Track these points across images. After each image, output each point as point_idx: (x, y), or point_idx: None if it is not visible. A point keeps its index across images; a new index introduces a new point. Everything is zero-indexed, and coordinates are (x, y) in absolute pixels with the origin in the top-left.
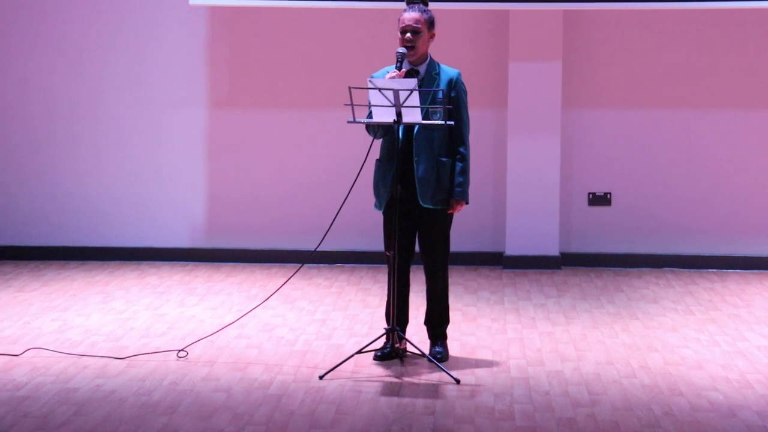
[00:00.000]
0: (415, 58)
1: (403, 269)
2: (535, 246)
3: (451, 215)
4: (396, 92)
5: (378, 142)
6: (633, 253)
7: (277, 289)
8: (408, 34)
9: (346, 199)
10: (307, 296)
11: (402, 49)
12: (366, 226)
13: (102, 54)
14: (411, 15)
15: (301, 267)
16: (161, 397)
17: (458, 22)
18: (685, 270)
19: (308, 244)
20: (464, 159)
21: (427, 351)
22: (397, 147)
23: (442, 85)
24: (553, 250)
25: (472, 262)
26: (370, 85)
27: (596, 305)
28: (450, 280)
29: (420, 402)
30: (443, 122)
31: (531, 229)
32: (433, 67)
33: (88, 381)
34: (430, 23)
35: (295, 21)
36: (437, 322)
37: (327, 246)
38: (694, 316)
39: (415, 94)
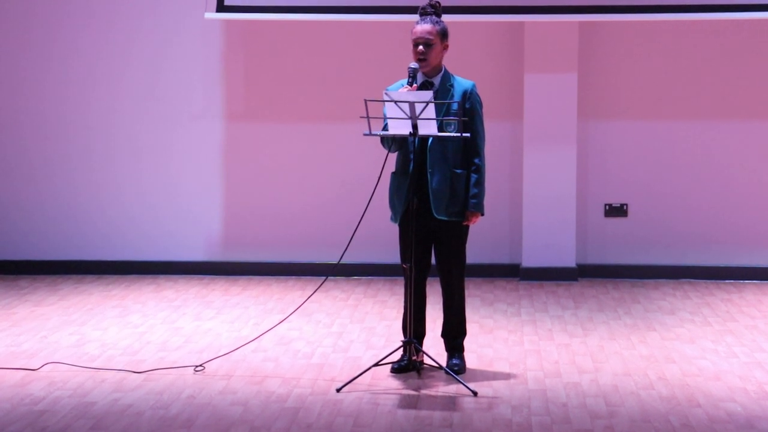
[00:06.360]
0: (429, 70)
1: (420, 281)
2: (552, 258)
3: (467, 227)
4: (412, 104)
5: (393, 155)
6: (650, 264)
7: (299, 306)
8: (420, 47)
9: (365, 212)
10: (324, 309)
11: (414, 64)
12: (382, 239)
13: (117, 68)
14: (423, 27)
15: (325, 281)
16: (179, 411)
17: (474, 35)
18: (702, 281)
19: (325, 257)
20: (479, 170)
21: (444, 363)
22: (411, 159)
23: (457, 96)
24: (569, 261)
25: (489, 274)
26: (385, 98)
27: (613, 317)
28: (467, 292)
29: (437, 414)
30: (459, 134)
31: (547, 240)
32: (447, 79)
33: (106, 395)
34: (443, 35)
35: (310, 34)
36: (454, 334)
37: (344, 258)
38: (712, 327)
39: (431, 106)
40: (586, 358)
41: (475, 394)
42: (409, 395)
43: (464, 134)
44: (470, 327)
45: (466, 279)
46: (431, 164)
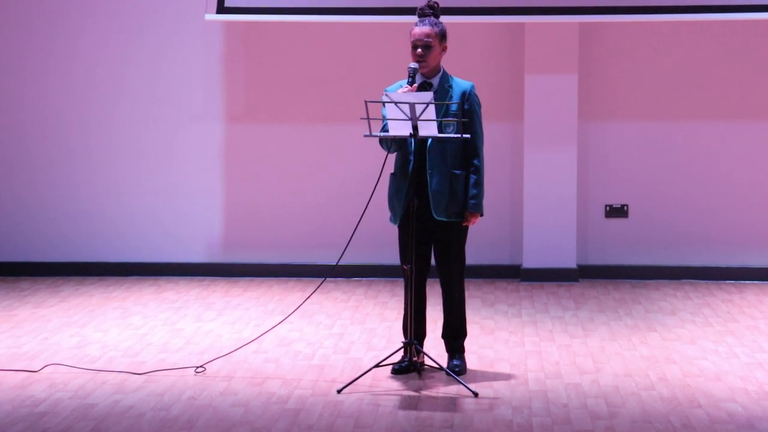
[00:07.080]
0: (427, 71)
1: (420, 282)
2: (553, 258)
3: (467, 228)
4: (412, 106)
5: (392, 156)
6: (650, 264)
7: (299, 306)
8: (419, 49)
9: (363, 213)
10: (325, 310)
11: (413, 64)
12: (383, 240)
13: (117, 69)
14: (422, 29)
15: (323, 282)
16: (180, 413)
17: (474, 36)
18: (703, 281)
19: (325, 258)
20: (478, 171)
21: (444, 364)
22: (410, 160)
23: (455, 97)
24: (570, 262)
25: (490, 275)
26: (385, 99)
27: (614, 317)
28: (467, 293)
29: (438, 415)
30: (459, 135)
31: (548, 241)
32: (446, 80)
33: (107, 396)
34: (442, 36)
35: (310, 36)
36: (455, 335)
37: (344, 260)
38: (713, 328)
39: (431, 107)
40: (586, 358)
41: (475, 395)
42: (409, 396)
43: (464, 135)
44: (471, 328)
45: (466, 280)
46: (430, 165)
